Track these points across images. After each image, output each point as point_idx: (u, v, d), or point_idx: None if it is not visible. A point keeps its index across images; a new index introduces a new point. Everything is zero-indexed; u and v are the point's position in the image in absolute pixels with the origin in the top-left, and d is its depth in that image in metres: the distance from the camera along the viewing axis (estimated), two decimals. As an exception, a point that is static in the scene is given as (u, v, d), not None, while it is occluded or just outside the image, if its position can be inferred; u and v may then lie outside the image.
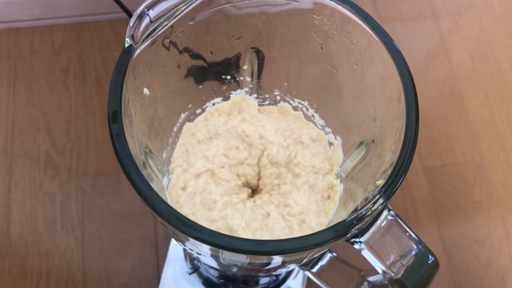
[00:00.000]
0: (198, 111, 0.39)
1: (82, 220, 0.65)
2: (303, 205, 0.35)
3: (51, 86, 0.73)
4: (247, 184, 0.39)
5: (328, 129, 0.38)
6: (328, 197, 0.35)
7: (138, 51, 0.29)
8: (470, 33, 0.81)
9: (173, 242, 0.63)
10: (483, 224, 0.69)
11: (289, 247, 0.23)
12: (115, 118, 0.27)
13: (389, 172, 0.25)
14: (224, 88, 0.38)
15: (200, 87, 0.37)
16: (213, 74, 0.37)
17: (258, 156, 0.38)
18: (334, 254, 0.38)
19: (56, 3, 0.74)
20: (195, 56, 0.34)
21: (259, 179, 0.39)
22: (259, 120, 0.38)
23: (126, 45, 0.28)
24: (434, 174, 0.72)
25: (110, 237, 0.65)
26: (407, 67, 0.26)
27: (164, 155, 0.36)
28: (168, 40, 0.31)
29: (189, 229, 0.24)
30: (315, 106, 0.38)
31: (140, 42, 0.29)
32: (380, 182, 0.26)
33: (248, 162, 0.38)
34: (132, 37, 0.28)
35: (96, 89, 0.73)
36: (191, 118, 0.38)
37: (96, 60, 0.76)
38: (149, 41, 0.29)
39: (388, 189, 0.24)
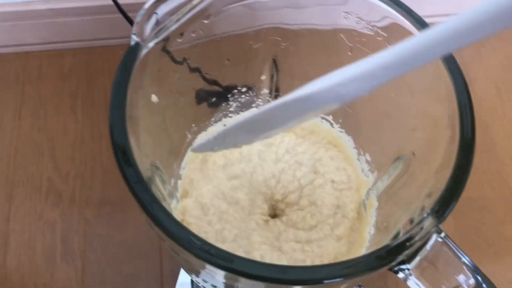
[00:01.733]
0: (211, 125, 0.35)
1: (84, 251, 0.61)
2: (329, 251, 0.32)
3: (58, 110, 0.71)
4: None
5: (356, 147, 0.34)
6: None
7: (145, 50, 0.25)
8: (494, 61, 0.78)
9: (180, 279, 0.58)
10: (516, 264, 0.64)
11: (325, 275, 0.19)
12: (119, 125, 0.23)
13: (441, 187, 0.21)
14: (240, 100, 0.35)
15: (214, 99, 0.34)
16: (228, 84, 0.33)
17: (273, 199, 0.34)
18: (363, 289, 0.34)
19: (66, 26, 0.72)
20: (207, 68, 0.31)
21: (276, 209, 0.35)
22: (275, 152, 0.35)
23: (132, 42, 0.25)
24: (460, 208, 0.66)
25: (113, 271, 0.60)
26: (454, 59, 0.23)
27: (173, 180, 0.33)
28: (178, 47, 0.28)
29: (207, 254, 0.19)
30: (340, 121, 0.34)
31: (149, 39, 0.25)
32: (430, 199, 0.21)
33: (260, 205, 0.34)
34: (140, 34, 0.25)
35: (105, 115, 0.70)
36: (202, 132, 0.35)
37: (106, 85, 0.73)
38: (160, 38, 0.25)
39: (443, 205, 0.20)
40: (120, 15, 0.61)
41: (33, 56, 0.75)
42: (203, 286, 0.28)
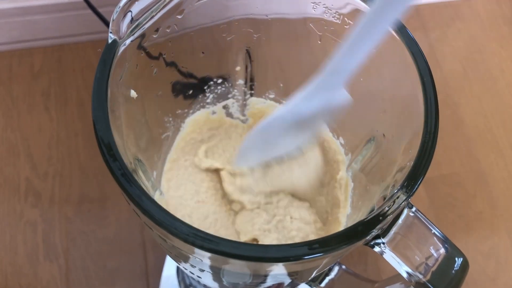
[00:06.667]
0: (189, 116, 0.36)
1: (67, 248, 0.61)
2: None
3: (31, 110, 0.70)
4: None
5: (331, 131, 0.35)
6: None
7: (122, 48, 0.26)
8: (460, 42, 0.81)
9: (165, 272, 0.59)
10: (487, 235, 0.67)
11: (305, 251, 0.20)
12: (102, 120, 0.23)
13: (410, 163, 0.22)
14: (216, 92, 0.35)
15: (190, 91, 0.35)
16: (204, 76, 0.34)
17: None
18: (343, 267, 0.35)
19: (35, 25, 0.71)
20: (182, 59, 0.31)
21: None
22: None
23: (110, 40, 0.26)
24: (433, 185, 0.70)
25: (97, 266, 0.60)
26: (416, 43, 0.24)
27: (155, 172, 0.33)
28: (154, 42, 0.28)
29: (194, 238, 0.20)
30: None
31: (125, 36, 0.26)
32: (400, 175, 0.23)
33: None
34: (117, 32, 0.26)
35: (79, 112, 0.70)
36: (181, 124, 0.35)
37: (78, 82, 0.73)
38: (136, 35, 0.26)
39: (412, 182, 0.21)
40: (89, 11, 0.60)
41: (2, 56, 0.74)
42: (190, 272, 0.29)
